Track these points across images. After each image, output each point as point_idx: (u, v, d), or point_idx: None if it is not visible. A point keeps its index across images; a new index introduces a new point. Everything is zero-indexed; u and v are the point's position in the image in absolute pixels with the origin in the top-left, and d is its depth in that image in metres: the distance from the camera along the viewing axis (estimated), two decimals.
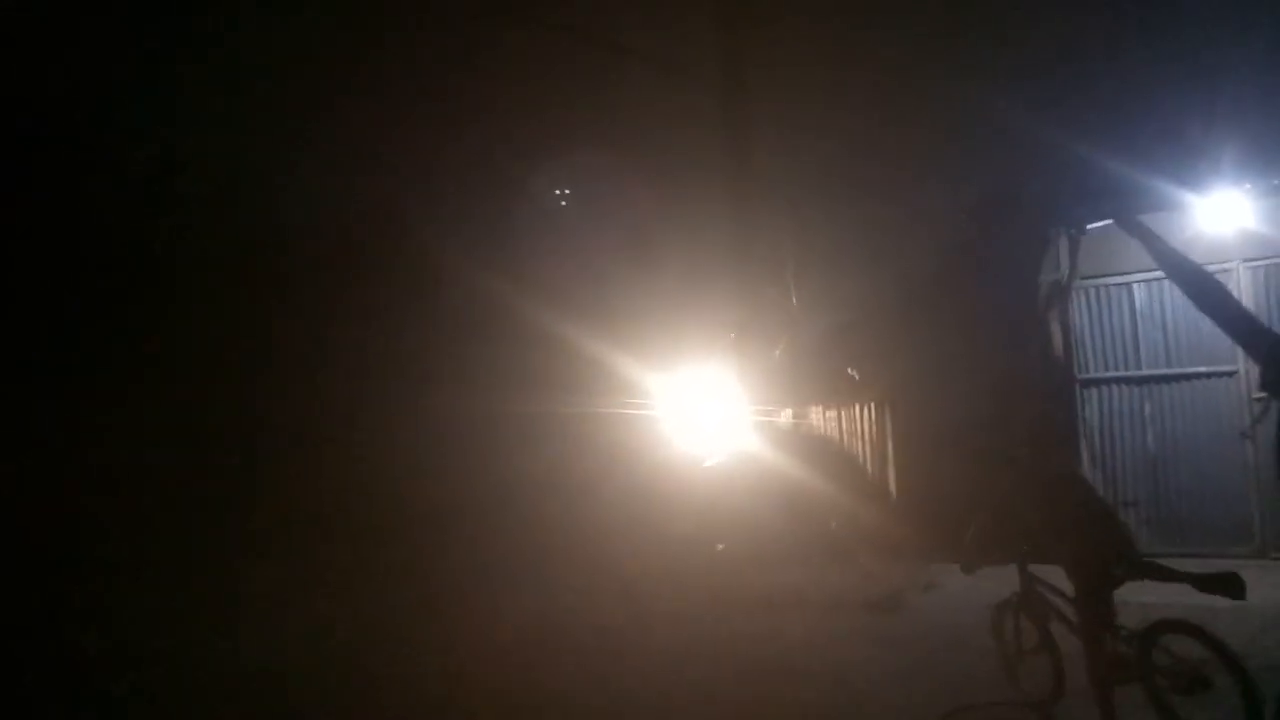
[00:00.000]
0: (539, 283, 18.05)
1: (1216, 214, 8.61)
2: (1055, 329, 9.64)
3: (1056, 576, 4.94)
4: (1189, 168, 8.32)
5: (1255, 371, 4.15)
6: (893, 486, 12.34)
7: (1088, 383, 9.49)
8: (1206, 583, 4.22)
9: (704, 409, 21.66)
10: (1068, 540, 4.66)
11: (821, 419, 24.50)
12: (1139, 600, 4.83)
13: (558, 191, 20.49)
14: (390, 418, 14.52)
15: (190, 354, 12.03)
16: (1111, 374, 9.40)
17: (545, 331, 17.30)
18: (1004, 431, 10.19)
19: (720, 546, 11.18)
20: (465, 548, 11.42)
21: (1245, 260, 8.81)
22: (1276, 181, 8.59)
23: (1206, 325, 8.92)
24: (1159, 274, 9.16)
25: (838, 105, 11.11)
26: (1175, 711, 4.36)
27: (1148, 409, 9.23)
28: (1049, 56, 8.66)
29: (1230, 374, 8.89)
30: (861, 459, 16.59)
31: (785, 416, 22.23)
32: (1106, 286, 9.41)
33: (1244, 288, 8.78)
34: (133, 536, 9.66)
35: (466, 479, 14.18)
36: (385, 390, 14.85)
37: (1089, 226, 8.83)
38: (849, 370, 19.11)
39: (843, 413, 19.96)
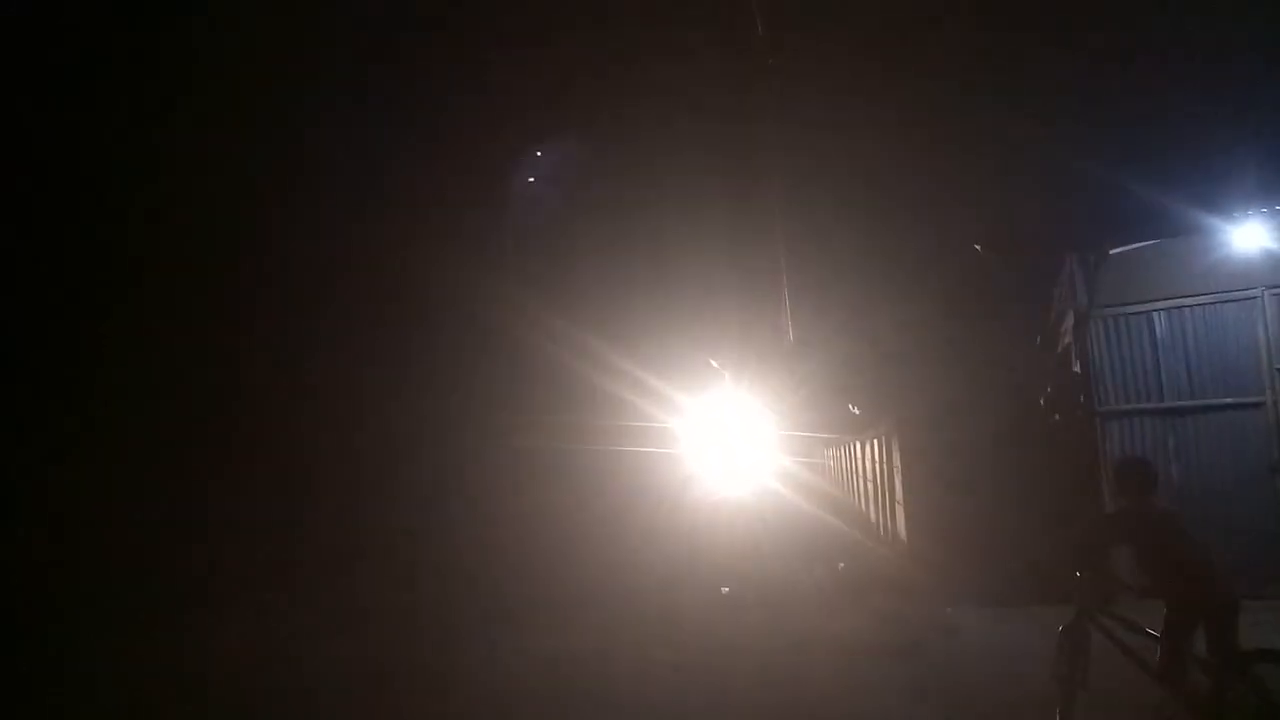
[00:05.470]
0: (542, 307, 17.83)
1: (1243, 239, 8.35)
2: (1073, 360, 9.30)
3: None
4: (1215, 191, 8.06)
5: None
6: (903, 526, 11.91)
7: (1108, 415, 9.12)
8: None
9: (703, 444, 21.24)
10: (1175, 578, 4.54)
11: (825, 455, 24.02)
12: None
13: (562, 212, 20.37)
14: (404, 458, 14.45)
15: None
16: (1133, 406, 9.05)
17: (541, 357, 17.06)
18: (1015, 471, 9.90)
19: (725, 589, 10.69)
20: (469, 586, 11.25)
21: (1270, 287, 8.53)
22: None
23: (1231, 354, 8.69)
24: (1180, 302, 8.95)
25: (844, 134, 10.86)
26: None
27: (1171, 442, 8.87)
28: (1065, 79, 8.40)
29: (1258, 405, 8.56)
30: (868, 497, 16.15)
31: (787, 452, 21.74)
32: (1126, 315, 9.09)
33: (1270, 315, 8.51)
34: None
35: (463, 517, 13.84)
36: (397, 428, 14.74)
37: (1111, 253, 8.66)
38: (850, 406, 18.72)
39: (847, 449, 19.56)
